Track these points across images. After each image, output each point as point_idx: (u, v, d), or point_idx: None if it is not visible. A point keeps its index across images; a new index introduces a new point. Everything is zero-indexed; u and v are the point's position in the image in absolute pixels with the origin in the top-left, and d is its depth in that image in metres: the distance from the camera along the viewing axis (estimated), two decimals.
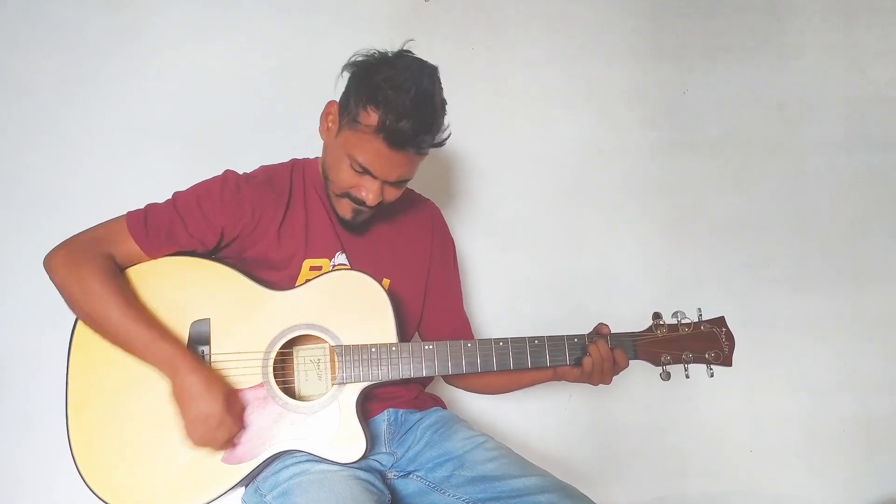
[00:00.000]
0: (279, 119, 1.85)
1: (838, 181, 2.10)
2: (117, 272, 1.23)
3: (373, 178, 1.25)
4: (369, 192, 1.26)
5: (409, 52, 1.28)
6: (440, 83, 1.27)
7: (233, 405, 1.19)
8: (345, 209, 1.32)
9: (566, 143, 2.00)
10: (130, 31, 1.83)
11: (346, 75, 1.29)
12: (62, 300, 1.22)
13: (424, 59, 1.27)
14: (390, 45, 1.28)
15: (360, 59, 1.28)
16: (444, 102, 1.27)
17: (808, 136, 2.09)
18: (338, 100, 1.30)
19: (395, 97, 1.18)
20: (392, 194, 1.30)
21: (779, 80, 2.08)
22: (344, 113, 1.26)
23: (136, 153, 1.81)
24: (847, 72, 2.10)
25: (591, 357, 1.28)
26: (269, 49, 1.87)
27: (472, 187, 1.96)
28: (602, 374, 1.30)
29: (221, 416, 1.16)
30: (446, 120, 1.29)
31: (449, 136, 1.30)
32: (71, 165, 1.79)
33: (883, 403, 2.10)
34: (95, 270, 1.18)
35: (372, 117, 1.19)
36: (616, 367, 1.31)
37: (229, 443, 1.20)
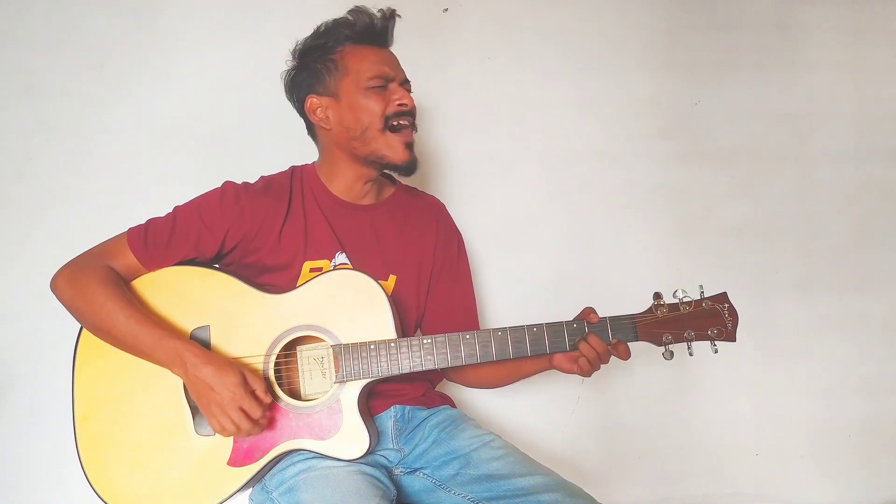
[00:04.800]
0: (294, 124, 1.87)
1: (846, 191, 2.15)
2: (119, 280, 1.26)
3: (392, 82, 1.34)
4: (401, 96, 1.34)
5: None
6: None
7: (253, 385, 1.18)
8: (396, 148, 1.34)
9: (579, 150, 2.04)
10: (152, 36, 1.87)
11: (292, 81, 1.42)
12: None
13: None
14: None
15: (289, 64, 1.43)
16: None
17: (816, 148, 2.14)
18: (305, 98, 1.38)
19: (338, 22, 1.35)
20: (412, 101, 1.37)
21: (788, 94, 2.13)
22: (324, 84, 1.35)
23: (155, 155, 1.85)
24: (855, 87, 2.16)
25: (584, 353, 1.27)
26: (286, 55, 1.91)
27: (486, 190, 2.00)
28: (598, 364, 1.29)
29: (240, 402, 1.16)
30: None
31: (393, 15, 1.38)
32: (89, 166, 1.82)
33: (889, 407, 2.11)
34: (97, 280, 1.22)
35: (346, 47, 1.34)
36: (618, 357, 1.30)
37: (259, 425, 1.19)
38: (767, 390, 2.07)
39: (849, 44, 2.17)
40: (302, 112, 1.42)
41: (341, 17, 1.36)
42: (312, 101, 1.37)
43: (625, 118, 2.06)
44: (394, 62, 1.39)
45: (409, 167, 1.36)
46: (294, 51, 1.41)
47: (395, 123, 1.34)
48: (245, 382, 1.18)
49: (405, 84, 1.39)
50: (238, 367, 1.19)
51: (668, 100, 2.09)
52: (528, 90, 2.03)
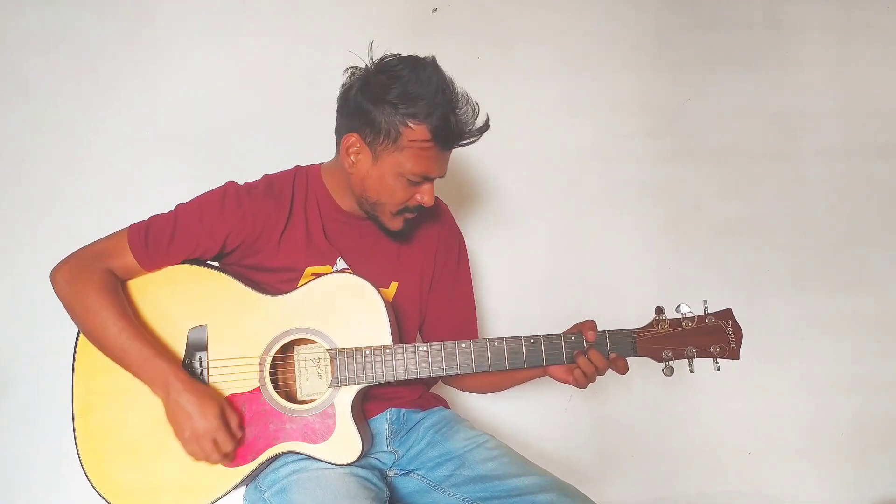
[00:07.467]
0: (288, 124, 1.89)
1: (836, 188, 2.13)
2: (117, 287, 1.26)
3: (429, 181, 1.28)
4: (427, 195, 1.29)
5: (392, 54, 1.28)
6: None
7: (229, 419, 1.21)
8: (397, 223, 1.33)
9: (570, 150, 2.04)
10: (143, 38, 1.87)
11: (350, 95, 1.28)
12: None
13: None
14: (400, 52, 1.29)
15: (356, 82, 1.26)
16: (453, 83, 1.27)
17: (806, 145, 2.13)
18: (348, 131, 1.28)
19: (430, 100, 1.20)
20: (433, 200, 1.32)
21: (778, 91, 2.12)
22: (375, 139, 1.24)
23: (148, 157, 1.86)
24: (845, 84, 2.14)
25: (581, 367, 1.25)
26: (279, 56, 1.93)
27: (479, 191, 1.99)
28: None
29: (214, 434, 1.18)
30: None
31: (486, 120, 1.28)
32: (82, 168, 1.84)
33: (882, 405, 2.09)
34: (95, 287, 1.22)
35: (418, 131, 1.21)
36: (616, 372, 1.28)
37: (228, 457, 1.22)
38: (760, 389, 2.07)
39: (837, 41, 2.15)
40: (339, 134, 1.33)
41: (438, 99, 1.21)
42: (352, 140, 1.27)
43: (615, 117, 2.06)
44: (445, 161, 1.29)
45: (398, 236, 1.36)
46: (375, 68, 1.26)
47: (406, 213, 1.33)
48: (223, 415, 1.20)
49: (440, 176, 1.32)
50: (218, 399, 1.21)
51: (657, 98, 2.08)
52: (518, 90, 2.02)
